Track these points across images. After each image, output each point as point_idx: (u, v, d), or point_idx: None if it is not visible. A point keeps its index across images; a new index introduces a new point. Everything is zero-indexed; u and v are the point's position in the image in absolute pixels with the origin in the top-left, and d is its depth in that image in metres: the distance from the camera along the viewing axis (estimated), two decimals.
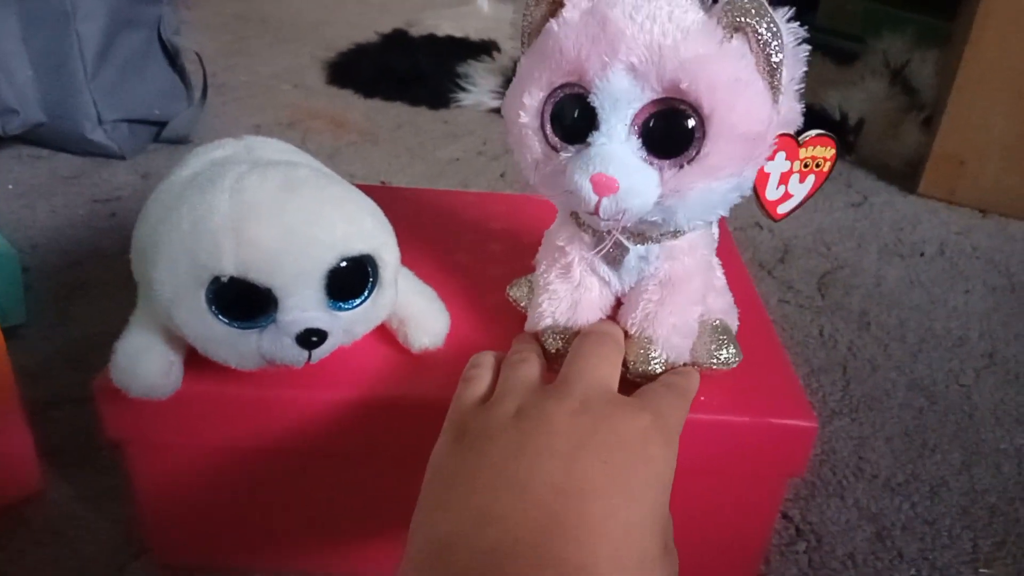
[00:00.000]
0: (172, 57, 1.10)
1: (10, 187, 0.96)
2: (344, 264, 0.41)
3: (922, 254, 0.96)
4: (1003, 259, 0.96)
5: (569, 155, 0.39)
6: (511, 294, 0.50)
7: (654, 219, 0.40)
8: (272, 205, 0.39)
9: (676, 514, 0.39)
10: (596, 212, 0.38)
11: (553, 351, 0.45)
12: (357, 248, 0.41)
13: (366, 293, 0.42)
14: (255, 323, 0.40)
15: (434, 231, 0.59)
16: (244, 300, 0.39)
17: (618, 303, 0.46)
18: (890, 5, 1.63)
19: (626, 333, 0.44)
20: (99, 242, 0.86)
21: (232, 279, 0.38)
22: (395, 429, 0.45)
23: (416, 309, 0.48)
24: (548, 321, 0.45)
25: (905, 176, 1.14)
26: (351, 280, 0.42)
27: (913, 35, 1.41)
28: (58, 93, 0.99)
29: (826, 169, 0.45)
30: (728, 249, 0.54)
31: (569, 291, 0.45)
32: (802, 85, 0.40)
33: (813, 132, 0.43)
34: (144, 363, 0.42)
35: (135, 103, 1.04)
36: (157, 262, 0.39)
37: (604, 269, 0.44)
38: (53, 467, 0.57)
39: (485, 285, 0.50)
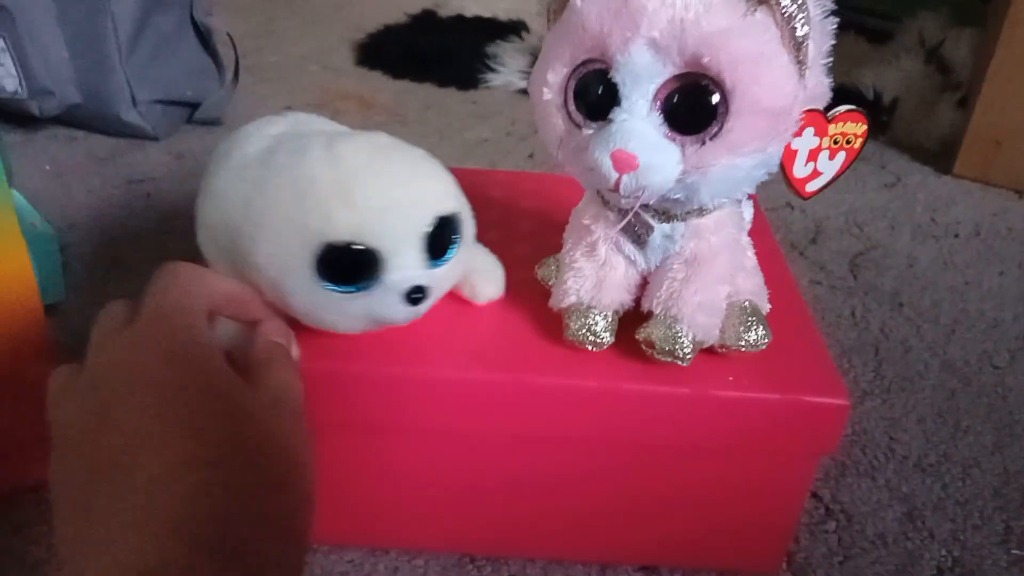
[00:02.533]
0: (204, 38, 1.11)
1: (47, 168, 0.97)
2: (437, 222, 0.42)
3: (956, 235, 0.95)
4: None
5: (591, 132, 0.39)
6: (539, 274, 0.50)
7: (677, 196, 0.40)
8: (373, 169, 0.41)
9: (707, 490, 0.39)
10: (616, 189, 0.38)
11: (576, 333, 0.45)
12: (447, 207, 0.43)
13: (453, 249, 0.44)
14: (362, 286, 0.41)
15: None
16: (352, 264, 0.40)
17: (644, 282, 0.46)
18: None
19: (651, 313, 0.44)
20: (134, 222, 0.87)
21: (343, 244, 0.39)
22: (386, 401, 0.46)
23: (478, 262, 0.49)
24: (572, 299, 0.45)
25: (940, 157, 1.12)
26: (442, 238, 0.43)
27: (948, 14, 1.38)
28: (93, 74, 1.00)
29: (857, 146, 0.44)
30: (761, 229, 0.54)
31: (594, 269, 0.45)
32: (831, 59, 0.39)
33: (843, 108, 0.43)
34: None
35: (168, 84, 1.05)
36: (259, 238, 0.40)
37: (629, 248, 0.44)
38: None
39: (514, 262, 0.50)
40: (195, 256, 0.50)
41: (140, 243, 0.83)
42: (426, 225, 0.41)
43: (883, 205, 1.00)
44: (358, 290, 0.41)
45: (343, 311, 0.42)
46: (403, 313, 0.42)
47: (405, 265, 0.41)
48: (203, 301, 0.40)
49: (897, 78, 1.23)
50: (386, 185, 0.41)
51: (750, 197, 0.52)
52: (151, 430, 0.33)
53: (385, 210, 0.40)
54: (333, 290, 0.40)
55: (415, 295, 0.41)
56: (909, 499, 0.58)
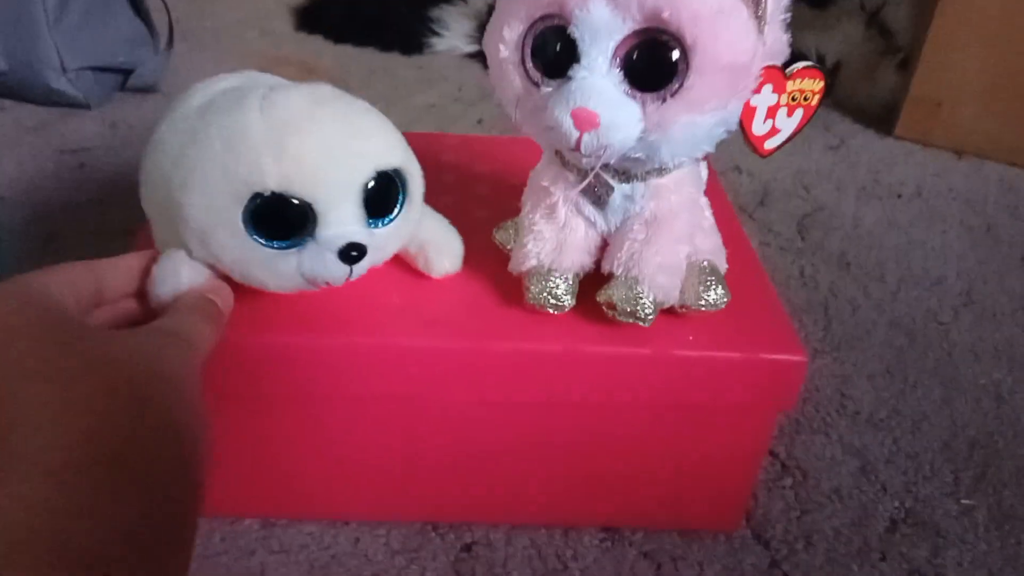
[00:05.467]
0: (136, 3, 1.07)
1: None
2: (378, 178, 0.40)
3: (899, 196, 0.96)
4: (979, 200, 0.97)
5: (550, 90, 0.39)
6: (497, 238, 0.49)
7: (638, 155, 0.39)
8: (308, 118, 0.39)
9: (669, 451, 0.39)
10: (577, 148, 0.38)
11: (538, 296, 0.44)
12: (390, 161, 0.41)
13: (397, 208, 0.42)
14: (295, 241, 0.39)
15: None
16: (284, 217, 0.39)
17: (604, 244, 0.45)
18: None
19: (611, 274, 0.44)
20: (68, 194, 0.83)
21: (272, 195, 0.38)
22: (377, 373, 0.45)
23: (434, 233, 0.48)
24: (533, 262, 0.45)
25: (881, 119, 1.14)
26: (385, 195, 0.41)
27: None
28: (19, 41, 0.95)
29: (814, 103, 0.44)
30: (715, 189, 0.54)
31: (554, 232, 0.45)
32: (788, 15, 0.39)
33: (801, 64, 0.42)
34: (187, 269, 0.40)
35: (99, 50, 1.01)
36: (188, 186, 0.38)
37: (589, 210, 0.44)
38: None
39: (472, 227, 0.49)
40: (132, 228, 0.48)
41: (76, 216, 0.80)
42: (365, 179, 0.40)
43: (828, 167, 1.01)
44: (289, 246, 0.39)
45: (275, 268, 0.40)
46: (338, 271, 0.40)
47: (340, 220, 0.39)
48: (58, 278, 0.35)
49: (839, 42, 1.24)
50: (322, 135, 0.39)
51: (704, 158, 0.52)
52: (11, 386, 0.29)
53: (320, 161, 0.38)
54: (263, 244, 0.39)
55: (351, 253, 0.40)
56: (862, 453, 0.59)
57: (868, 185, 0.98)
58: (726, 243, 0.49)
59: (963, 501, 0.56)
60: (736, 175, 0.96)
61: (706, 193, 0.49)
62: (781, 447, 0.59)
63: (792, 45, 0.41)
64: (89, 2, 1.00)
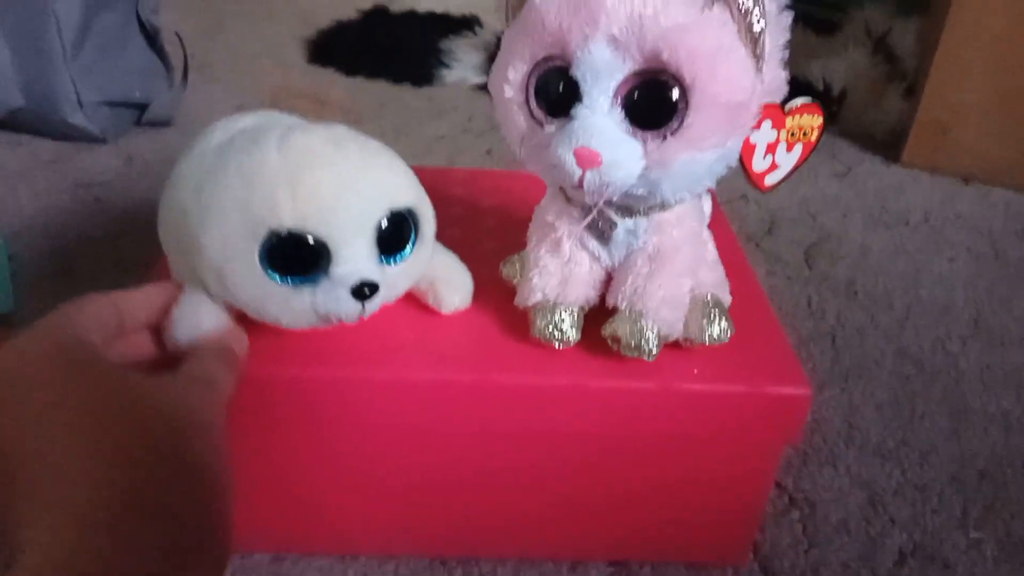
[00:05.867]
0: (151, 37, 1.09)
1: None
2: (391, 217, 0.41)
3: (907, 223, 0.97)
4: (986, 226, 0.97)
5: (553, 128, 0.39)
6: (504, 272, 0.50)
7: (640, 191, 0.40)
8: (324, 158, 0.40)
9: (675, 484, 0.39)
10: (580, 185, 0.39)
11: (543, 330, 0.45)
12: (403, 201, 0.42)
13: (409, 247, 0.43)
14: (309, 279, 0.40)
15: None
16: (298, 255, 0.39)
17: (608, 278, 0.46)
18: None
19: (616, 308, 0.45)
20: (84, 227, 0.85)
21: (288, 233, 0.38)
22: (378, 408, 0.45)
23: (444, 270, 0.48)
24: (538, 296, 0.45)
25: (888, 146, 1.14)
26: (398, 233, 0.42)
27: (893, 4, 1.41)
28: (36, 76, 0.97)
29: (814, 138, 0.45)
30: (719, 221, 0.54)
31: (559, 266, 0.45)
32: (786, 53, 0.40)
33: (800, 100, 0.43)
34: (206, 312, 0.41)
35: (115, 85, 1.03)
36: (206, 223, 0.39)
37: (593, 244, 0.45)
38: None
39: (479, 260, 0.50)
40: (147, 261, 0.49)
41: (91, 249, 0.81)
42: (379, 217, 0.41)
43: (835, 195, 1.02)
44: (303, 282, 0.40)
45: (288, 304, 0.40)
46: (351, 309, 0.41)
47: (354, 258, 0.40)
48: (85, 314, 0.37)
49: (845, 69, 1.25)
50: (337, 175, 0.40)
51: (708, 191, 0.53)
52: (44, 433, 0.30)
53: (334, 200, 0.39)
54: (278, 281, 0.39)
55: (364, 290, 0.40)
56: (870, 485, 0.59)
57: (875, 212, 0.98)
58: (731, 275, 0.49)
59: (972, 534, 0.55)
60: (743, 204, 0.97)
61: (711, 225, 0.50)
62: (788, 479, 0.59)
63: (798, 73, 0.42)
64: (105, 37, 1.02)
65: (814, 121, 0.45)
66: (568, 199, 0.44)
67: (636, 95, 0.38)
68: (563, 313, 0.45)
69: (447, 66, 1.28)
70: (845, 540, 0.55)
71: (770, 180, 0.46)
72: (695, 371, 0.45)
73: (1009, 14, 0.99)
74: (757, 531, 0.54)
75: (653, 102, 0.38)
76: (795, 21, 0.39)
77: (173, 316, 0.41)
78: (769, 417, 0.46)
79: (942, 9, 1.06)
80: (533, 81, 0.40)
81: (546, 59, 0.39)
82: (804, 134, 0.45)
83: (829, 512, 0.56)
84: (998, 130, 1.05)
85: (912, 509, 0.57)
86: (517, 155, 0.42)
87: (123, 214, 0.87)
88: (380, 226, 0.41)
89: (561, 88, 0.39)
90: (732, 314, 0.46)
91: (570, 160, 0.38)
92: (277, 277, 0.39)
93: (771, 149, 0.44)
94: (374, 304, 0.42)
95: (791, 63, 0.40)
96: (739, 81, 0.38)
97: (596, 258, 0.45)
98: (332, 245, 0.39)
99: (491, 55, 0.90)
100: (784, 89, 0.41)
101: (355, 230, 0.40)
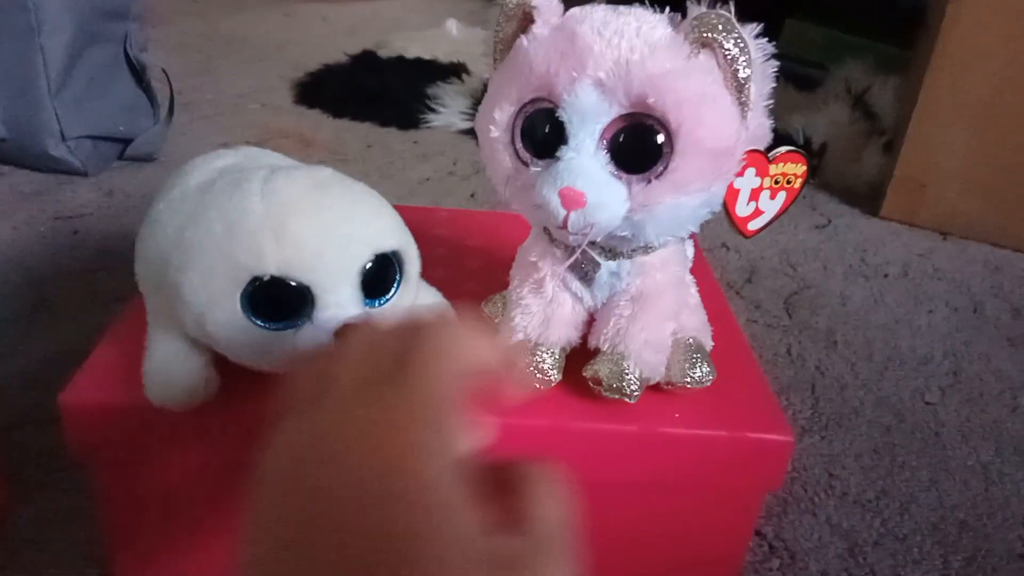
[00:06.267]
0: (138, 74, 1.09)
1: None
2: (376, 260, 0.41)
3: (886, 275, 0.97)
4: (964, 280, 0.98)
5: (539, 169, 0.39)
6: (486, 310, 0.50)
7: (624, 234, 0.40)
8: (308, 203, 0.39)
9: (654, 530, 0.38)
10: (564, 226, 0.39)
11: (525, 368, 0.44)
12: (388, 244, 0.41)
13: (394, 288, 0.42)
14: (291, 323, 0.39)
15: None
16: (281, 300, 0.39)
17: (591, 319, 0.46)
18: (850, 33, 1.66)
19: (598, 349, 0.44)
20: (61, 260, 0.84)
21: (271, 278, 0.38)
22: None
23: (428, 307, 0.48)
24: (520, 336, 0.45)
25: (868, 199, 1.16)
26: (382, 276, 0.42)
27: (873, 62, 1.44)
28: (20, 108, 0.97)
29: (797, 186, 0.45)
30: (702, 268, 0.55)
31: (541, 306, 0.45)
32: (771, 101, 0.40)
33: (784, 148, 0.44)
34: (180, 371, 0.41)
35: (100, 119, 1.03)
36: (187, 268, 0.39)
37: (576, 285, 0.44)
38: (14, 490, 0.55)
39: (462, 300, 0.50)
40: (124, 296, 0.48)
41: (67, 282, 0.80)
42: (363, 262, 0.40)
43: (815, 246, 1.03)
44: (286, 327, 0.39)
45: (270, 348, 0.40)
46: None
47: (338, 303, 0.39)
48: (458, 390, 0.30)
49: (825, 123, 1.27)
50: (321, 219, 0.39)
51: (691, 236, 0.53)
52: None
53: (319, 245, 0.39)
54: (260, 326, 0.39)
55: None
56: (850, 535, 0.58)
57: (855, 264, 0.99)
58: (713, 320, 0.49)
59: None
60: (724, 252, 0.97)
61: (693, 270, 0.50)
62: (768, 527, 0.58)
63: (780, 126, 0.42)
64: (92, 72, 1.02)
65: (797, 169, 0.45)
66: (552, 240, 0.44)
67: (622, 138, 0.38)
68: (544, 354, 0.44)
69: (434, 111, 1.30)
70: None
71: (753, 226, 0.46)
72: (676, 415, 0.45)
73: (986, 75, 1.01)
74: None
75: (638, 146, 0.38)
76: (777, 77, 0.39)
77: (146, 370, 0.41)
78: (750, 463, 0.45)
79: (920, 69, 1.08)
80: (519, 122, 0.40)
81: (533, 101, 0.39)
82: (788, 181, 0.45)
83: (809, 562, 0.56)
84: (975, 186, 1.07)
85: (892, 560, 0.57)
86: (502, 195, 0.42)
87: (101, 248, 0.87)
88: (365, 269, 0.40)
89: (547, 129, 0.39)
90: (714, 360, 0.46)
91: (555, 200, 0.38)
92: (260, 322, 0.39)
93: (755, 195, 0.45)
94: None
95: (772, 117, 0.41)
96: (724, 127, 0.38)
97: (579, 299, 0.45)
98: (316, 290, 0.39)
99: (477, 101, 0.91)
100: (769, 136, 0.42)
101: (340, 275, 0.39)
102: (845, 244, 1.04)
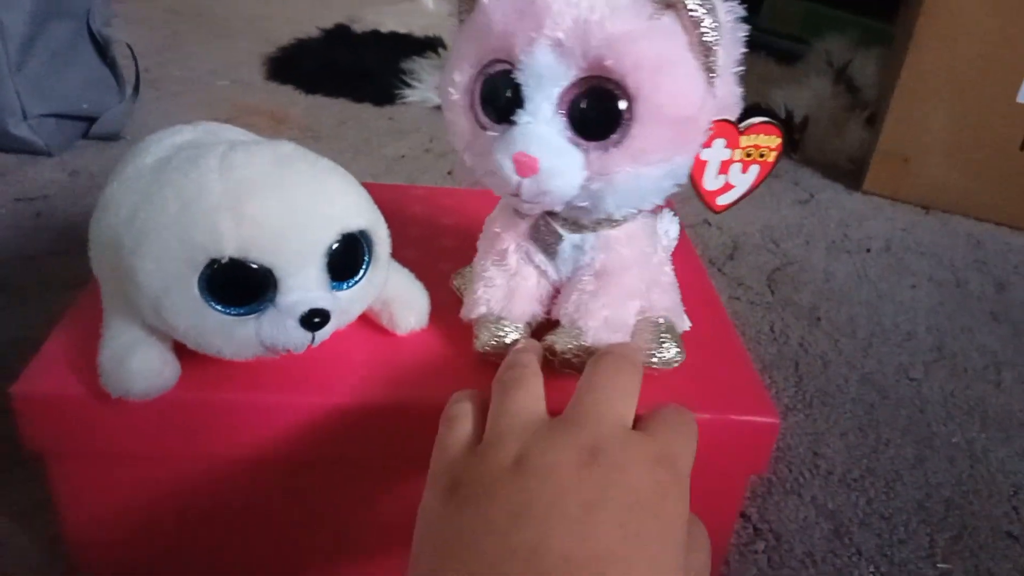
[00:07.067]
0: (102, 49, 1.05)
1: None
2: (343, 240, 0.38)
3: (868, 250, 0.96)
4: (947, 255, 0.97)
5: (495, 134, 0.37)
6: (455, 283, 0.48)
7: (583, 204, 0.38)
8: (269, 180, 0.37)
9: None
10: (518, 193, 0.37)
11: (486, 344, 0.42)
12: (355, 223, 0.39)
13: (363, 270, 0.40)
14: (253, 308, 0.37)
15: None
16: (242, 283, 0.36)
17: (556, 293, 0.44)
18: (831, 6, 1.64)
19: (558, 323, 0.43)
20: (22, 243, 0.81)
21: (230, 261, 0.36)
22: (342, 436, 0.42)
23: (400, 290, 0.46)
24: (483, 309, 0.43)
25: (850, 174, 1.14)
26: (350, 257, 0.39)
27: (855, 35, 1.42)
28: None
29: (771, 160, 0.43)
30: (683, 245, 0.53)
31: (505, 279, 0.43)
32: (742, 68, 0.38)
33: (756, 119, 0.41)
34: (138, 360, 0.39)
35: (62, 97, 0.99)
36: (141, 251, 0.36)
37: (540, 258, 0.43)
38: None
39: (437, 280, 0.48)
40: (87, 281, 0.46)
41: (28, 266, 0.77)
42: (329, 242, 0.38)
43: (797, 221, 1.01)
44: (247, 312, 0.37)
45: (231, 335, 0.37)
46: (299, 339, 0.38)
47: (302, 286, 0.37)
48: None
49: (807, 97, 1.26)
50: (284, 198, 0.37)
51: (675, 215, 0.51)
52: None
53: (280, 224, 0.36)
54: (220, 311, 0.37)
55: (314, 319, 0.37)
56: (835, 515, 0.57)
57: (838, 239, 0.98)
58: (695, 299, 0.48)
59: (939, 565, 0.53)
60: (706, 228, 0.96)
61: (675, 250, 0.48)
62: (753, 509, 0.57)
63: (761, 100, 0.40)
64: (54, 48, 0.99)
65: (771, 141, 0.42)
66: (516, 210, 0.42)
67: (581, 104, 0.36)
68: (507, 327, 0.43)
69: (410, 86, 1.27)
70: (811, 572, 0.52)
71: (723, 200, 0.43)
72: (658, 398, 0.43)
73: (969, 49, 1.00)
74: (722, 564, 0.52)
75: (597, 111, 0.36)
76: (758, 50, 0.37)
77: (102, 359, 0.39)
78: (735, 445, 0.44)
79: (903, 42, 1.07)
80: (479, 85, 0.38)
81: (492, 62, 0.37)
82: (761, 154, 0.42)
83: (795, 543, 0.54)
84: (957, 160, 1.05)
85: (879, 540, 0.55)
86: (464, 160, 0.40)
87: (64, 230, 0.84)
88: (331, 250, 0.38)
89: (508, 93, 0.37)
90: (696, 340, 0.45)
91: (508, 166, 0.36)
92: (219, 307, 0.37)
93: (724, 168, 0.42)
94: (325, 332, 0.39)
95: (754, 91, 0.39)
96: (687, 94, 0.36)
97: (543, 272, 0.43)
98: (278, 273, 0.36)
99: None
100: (739, 105, 0.39)
101: (304, 257, 0.37)
102: (827, 219, 1.03)
